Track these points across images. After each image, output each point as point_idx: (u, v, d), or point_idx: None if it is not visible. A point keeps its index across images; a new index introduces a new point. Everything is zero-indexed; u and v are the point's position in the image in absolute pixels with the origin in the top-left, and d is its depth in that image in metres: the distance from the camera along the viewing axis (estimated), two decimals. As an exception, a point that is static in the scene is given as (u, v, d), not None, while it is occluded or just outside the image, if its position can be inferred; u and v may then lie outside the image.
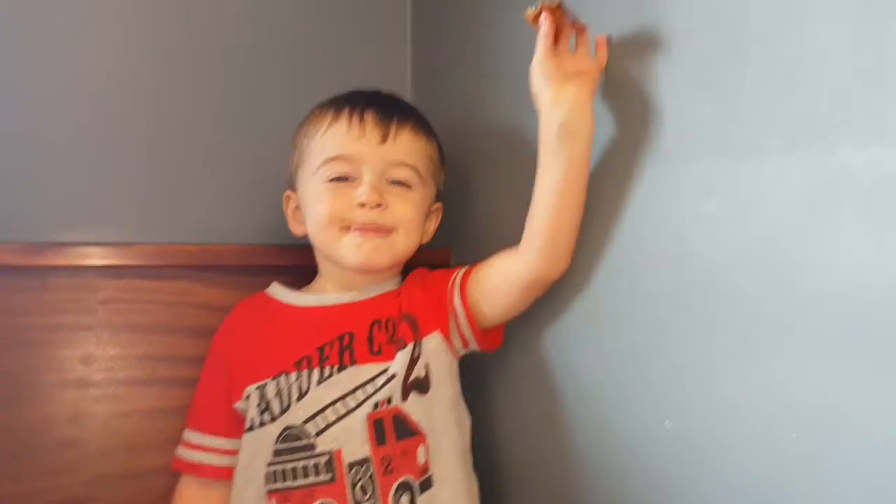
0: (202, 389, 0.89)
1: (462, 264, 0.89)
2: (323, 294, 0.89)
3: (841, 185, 0.57)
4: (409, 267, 0.91)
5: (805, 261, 0.60)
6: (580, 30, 0.78)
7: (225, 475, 0.84)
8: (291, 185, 0.91)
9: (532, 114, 0.80)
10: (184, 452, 0.87)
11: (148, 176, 0.99)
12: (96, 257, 0.88)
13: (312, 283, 0.91)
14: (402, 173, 0.86)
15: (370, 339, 0.83)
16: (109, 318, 0.89)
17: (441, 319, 0.85)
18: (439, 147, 0.93)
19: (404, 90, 1.18)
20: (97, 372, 0.89)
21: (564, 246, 0.79)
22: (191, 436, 0.87)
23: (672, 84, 0.72)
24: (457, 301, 0.85)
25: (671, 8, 0.72)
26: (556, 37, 0.76)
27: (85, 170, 0.97)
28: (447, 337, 0.85)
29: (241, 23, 1.07)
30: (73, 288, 0.88)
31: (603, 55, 0.77)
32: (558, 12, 0.74)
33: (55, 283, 0.87)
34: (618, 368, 0.79)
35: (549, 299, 0.84)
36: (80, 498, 0.88)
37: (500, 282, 0.83)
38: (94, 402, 0.90)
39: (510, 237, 0.83)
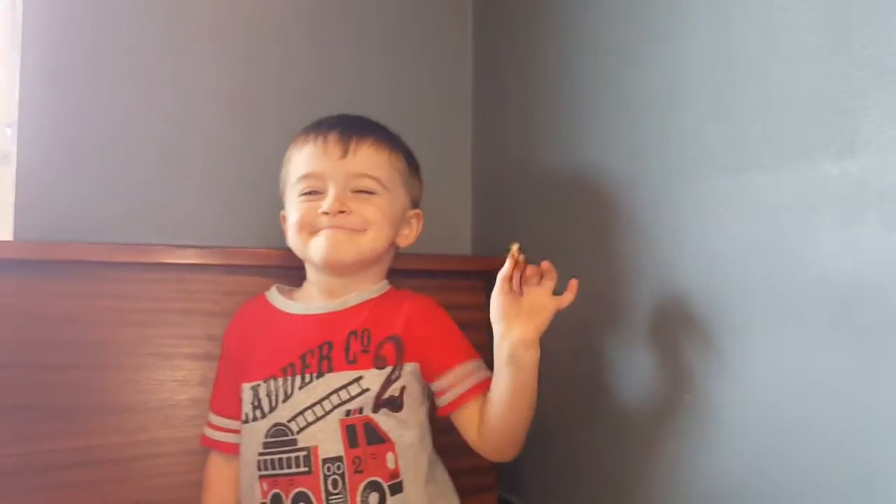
0: (219, 379, 0.99)
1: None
2: (309, 301, 0.96)
3: (821, 192, 0.68)
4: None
5: (795, 254, 0.70)
6: (546, 270, 0.84)
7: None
8: (283, 205, 0.99)
9: (590, 145, 0.89)
10: (207, 431, 0.98)
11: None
12: (220, 257, 1.04)
13: (303, 286, 0.99)
14: (364, 183, 0.92)
15: (346, 349, 0.90)
16: (233, 307, 1.02)
17: (426, 363, 0.92)
18: (407, 158, 0.98)
19: (465, 122, 1.34)
20: (218, 348, 1.02)
21: (510, 446, 0.89)
22: (212, 417, 0.98)
23: (692, 112, 0.83)
24: (436, 402, 0.93)
25: (692, 48, 0.83)
26: (522, 276, 0.84)
27: (211, 190, 1.17)
28: (424, 375, 0.93)
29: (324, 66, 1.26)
30: (203, 281, 1.04)
31: (569, 297, 0.85)
32: (520, 260, 0.83)
33: (190, 277, 1.04)
34: (645, 349, 0.89)
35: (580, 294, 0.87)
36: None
37: (465, 434, 0.92)
38: (215, 370, 1.03)
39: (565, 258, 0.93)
